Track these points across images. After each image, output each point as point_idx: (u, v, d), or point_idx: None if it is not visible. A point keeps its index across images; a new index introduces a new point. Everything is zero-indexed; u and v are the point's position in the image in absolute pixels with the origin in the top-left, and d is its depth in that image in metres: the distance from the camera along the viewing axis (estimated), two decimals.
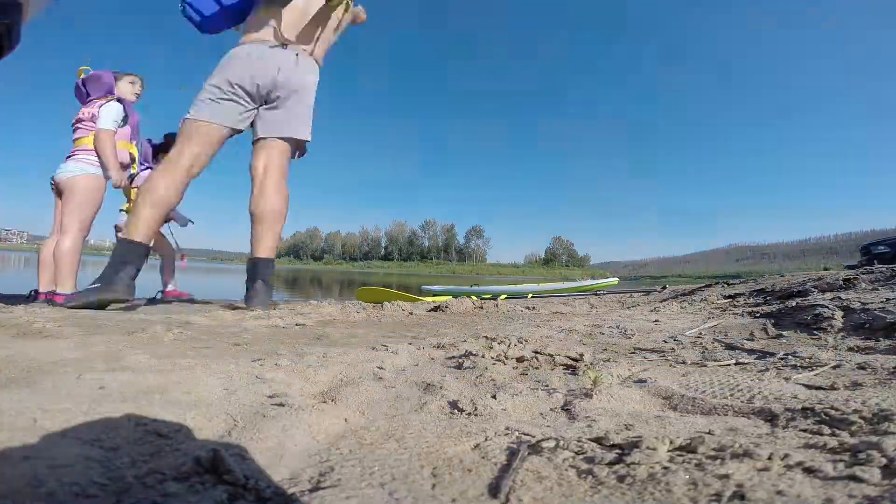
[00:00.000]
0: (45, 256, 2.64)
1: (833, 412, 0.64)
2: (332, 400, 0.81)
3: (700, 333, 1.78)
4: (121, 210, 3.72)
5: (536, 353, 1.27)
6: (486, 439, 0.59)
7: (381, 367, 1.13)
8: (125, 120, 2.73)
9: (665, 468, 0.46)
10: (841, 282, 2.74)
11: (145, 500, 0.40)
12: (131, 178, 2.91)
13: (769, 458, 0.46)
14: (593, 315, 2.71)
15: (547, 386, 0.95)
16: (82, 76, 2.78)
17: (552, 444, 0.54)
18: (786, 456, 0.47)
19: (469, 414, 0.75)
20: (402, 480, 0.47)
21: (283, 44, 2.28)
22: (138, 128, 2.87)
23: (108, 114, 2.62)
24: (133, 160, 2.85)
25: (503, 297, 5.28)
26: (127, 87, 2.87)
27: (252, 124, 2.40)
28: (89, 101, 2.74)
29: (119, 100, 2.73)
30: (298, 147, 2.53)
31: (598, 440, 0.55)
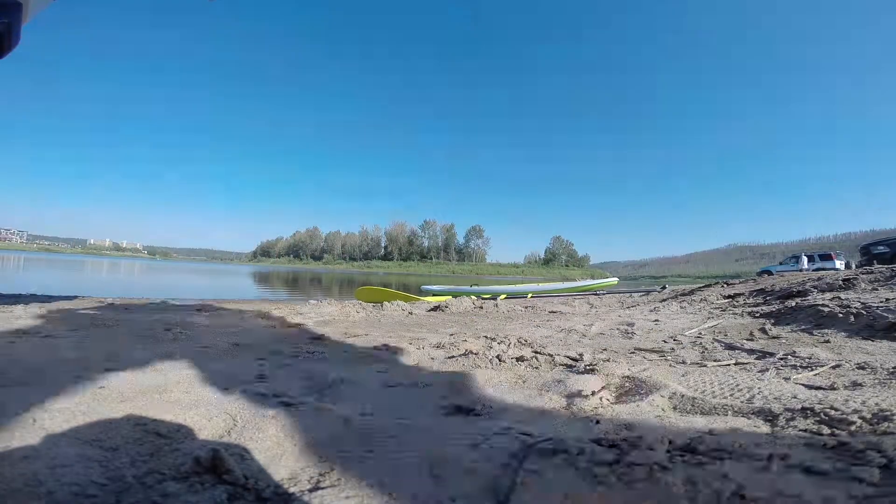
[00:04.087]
0: None
1: (833, 412, 0.64)
2: (332, 400, 0.81)
3: (700, 333, 1.78)
4: None
5: (536, 352, 1.27)
6: (486, 439, 0.59)
7: (380, 367, 1.12)
8: None
9: (664, 468, 0.46)
10: (841, 282, 2.74)
11: (145, 500, 0.40)
12: None
13: (769, 458, 0.46)
14: (593, 315, 2.71)
15: (547, 386, 0.95)
16: None
17: (552, 444, 0.54)
18: (786, 456, 0.47)
19: (469, 414, 0.75)
20: (403, 480, 0.47)
21: None
22: None
23: None
24: None
25: (503, 296, 5.29)
26: None
27: None
28: None
29: None
30: None
31: (597, 440, 0.55)
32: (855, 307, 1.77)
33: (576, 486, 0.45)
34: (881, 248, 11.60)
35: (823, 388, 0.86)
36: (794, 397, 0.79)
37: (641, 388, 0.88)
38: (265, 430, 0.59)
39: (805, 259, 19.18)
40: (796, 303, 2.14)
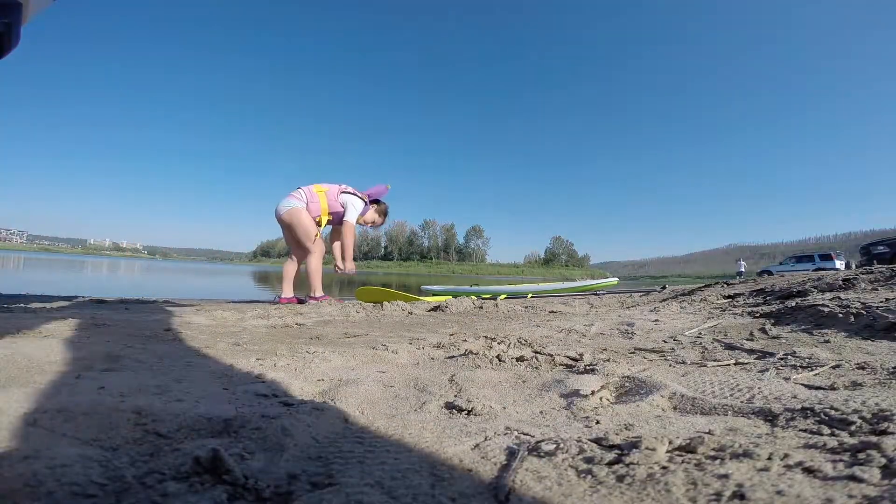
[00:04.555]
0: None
1: (833, 412, 0.64)
2: (332, 400, 0.81)
3: (700, 333, 1.78)
4: None
5: (536, 352, 1.27)
6: (485, 439, 0.59)
7: (380, 367, 1.13)
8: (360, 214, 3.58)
9: (664, 468, 0.46)
10: (841, 282, 2.74)
11: (145, 500, 0.40)
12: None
13: (769, 458, 0.46)
14: (593, 315, 2.70)
15: (547, 386, 0.95)
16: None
17: (552, 444, 0.54)
18: (786, 456, 0.47)
19: (469, 413, 0.75)
20: (402, 480, 0.47)
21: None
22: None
23: (355, 206, 3.48)
24: (318, 220, 3.58)
25: (503, 296, 5.28)
26: (371, 214, 3.78)
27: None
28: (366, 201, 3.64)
29: (363, 200, 3.59)
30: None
31: (597, 440, 0.55)
32: (855, 307, 1.77)
33: (576, 487, 0.45)
34: (881, 248, 11.63)
35: (823, 388, 0.86)
36: (794, 397, 0.79)
37: (641, 388, 0.88)
38: (265, 430, 0.59)
39: (743, 264, 22.97)
40: (796, 303, 2.14)
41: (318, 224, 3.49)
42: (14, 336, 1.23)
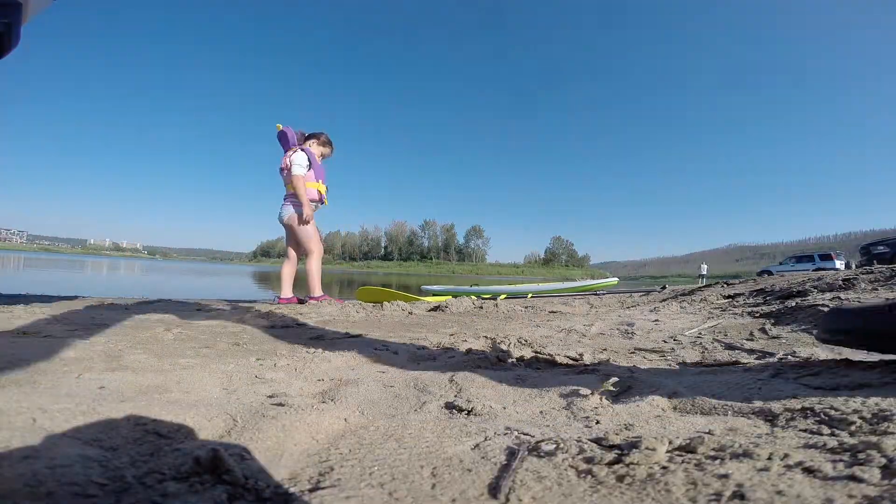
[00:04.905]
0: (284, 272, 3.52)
1: (833, 412, 0.64)
2: (332, 400, 0.81)
3: (700, 333, 1.78)
4: None
5: (536, 352, 1.27)
6: (485, 439, 0.59)
7: (381, 368, 1.13)
8: (310, 165, 3.40)
9: (664, 468, 0.46)
10: (841, 282, 2.74)
11: (145, 500, 0.40)
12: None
13: (769, 458, 0.46)
14: (593, 315, 2.70)
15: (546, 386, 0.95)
16: (280, 130, 3.47)
17: (552, 444, 0.54)
18: (786, 456, 0.47)
19: (469, 413, 0.75)
20: (402, 480, 0.47)
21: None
22: (323, 172, 3.59)
23: (297, 161, 3.32)
24: (321, 197, 3.52)
25: (503, 296, 5.28)
26: (315, 148, 3.56)
27: None
28: (286, 151, 3.43)
29: (302, 149, 3.40)
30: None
31: (597, 440, 0.55)
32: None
33: (576, 487, 0.45)
34: (881, 248, 11.64)
35: (823, 388, 0.86)
36: (795, 397, 0.79)
37: (642, 388, 0.88)
38: (265, 430, 0.59)
39: (704, 267, 25.41)
40: (796, 303, 2.14)
41: (322, 201, 3.55)
42: (14, 336, 1.23)
